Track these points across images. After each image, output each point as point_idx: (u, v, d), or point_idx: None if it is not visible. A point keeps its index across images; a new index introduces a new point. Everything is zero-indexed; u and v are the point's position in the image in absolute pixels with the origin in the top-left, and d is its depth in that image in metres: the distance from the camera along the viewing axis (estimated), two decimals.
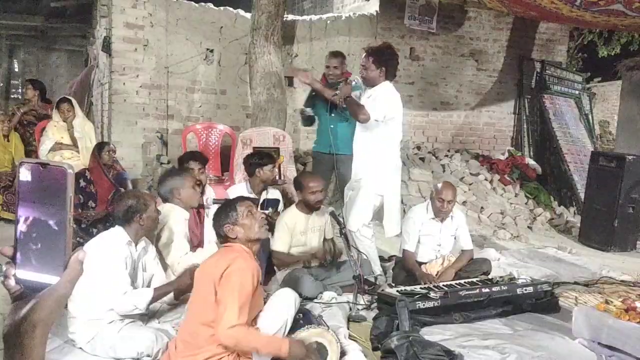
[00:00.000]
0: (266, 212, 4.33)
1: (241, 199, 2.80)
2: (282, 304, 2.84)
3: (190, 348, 2.45)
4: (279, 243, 3.91)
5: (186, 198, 3.50)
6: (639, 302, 3.27)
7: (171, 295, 3.02)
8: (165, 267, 3.27)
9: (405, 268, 4.20)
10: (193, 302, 2.58)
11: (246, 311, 2.41)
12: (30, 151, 5.66)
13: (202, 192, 3.81)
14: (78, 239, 4.16)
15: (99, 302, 2.81)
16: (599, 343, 3.13)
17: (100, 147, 4.79)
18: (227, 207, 2.68)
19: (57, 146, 5.28)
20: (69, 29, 9.46)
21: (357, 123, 4.17)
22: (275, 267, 4.07)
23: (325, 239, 4.17)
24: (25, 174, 0.74)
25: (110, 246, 2.86)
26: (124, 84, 6.39)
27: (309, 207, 3.96)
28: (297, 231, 3.96)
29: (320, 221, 4.07)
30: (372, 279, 4.11)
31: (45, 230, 0.74)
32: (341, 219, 4.05)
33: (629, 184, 6.01)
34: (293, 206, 4.10)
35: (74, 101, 5.54)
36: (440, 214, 4.19)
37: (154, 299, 2.88)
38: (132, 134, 6.48)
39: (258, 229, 2.64)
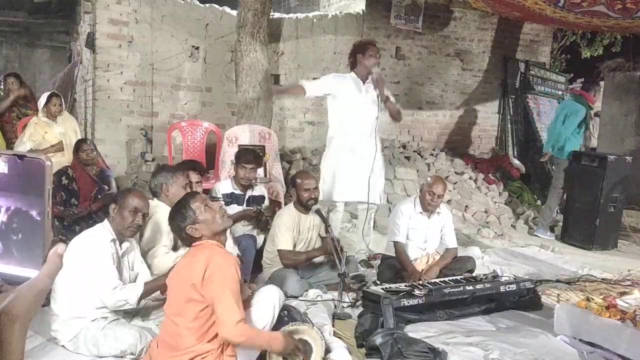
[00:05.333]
0: (260, 208, 4.33)
1: (190, 195, 2.65)
2: (267, 301, 2.83)
3: (171, 349, 2.40)
4: (283, 242, 3.89)
5: (174, 197, 3.46)
6: (619, 300, 3.32)
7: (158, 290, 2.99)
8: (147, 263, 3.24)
9: (392, 259, 4.24)
10: (170, 306, 2.49)
11: (241, 306, 2.38)
12: (12, 149, 5.57)
13: None
14: (60, 236, 4.12)
15: (84, 299, 2.79)
16: (580, 340, 3.17)
17: (77, 145, 4.72)
18: (181, 209, 2.53)
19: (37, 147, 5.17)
20: (53, 25, 9.32)
21: None
22: (262, 264, 4.07)
23: (322, 236, 4.16)
24: (1, 166, 0.73)
25: (96, 242, 2.83)
26: (108, 80, 6.32)
27: (305, 206, 3.97)
28: (296, 230, 3.96)
29: (317, 219, 4.07)
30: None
31: (27, 221, 0.73)
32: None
33: (610, 184, 6.08)
34: (290, 205, 4.10)
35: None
36: (429, 207, 4.22)
37: (145, 293, 2.85)
38: (116, 131, 6.42)
39: (220, 219, 2.54)
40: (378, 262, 4.56)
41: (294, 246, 3.97)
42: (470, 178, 7.57)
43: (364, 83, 4.59)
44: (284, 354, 2.54)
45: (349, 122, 4.57)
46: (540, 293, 4.08)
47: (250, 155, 4.41)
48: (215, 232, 2.51)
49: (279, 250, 3.90)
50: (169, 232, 3.40)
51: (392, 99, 4.70)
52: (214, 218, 2.51)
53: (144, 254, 3.29)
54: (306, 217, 4.03)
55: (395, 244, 4.26)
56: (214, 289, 2.30)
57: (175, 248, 3.43)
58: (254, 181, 4.47)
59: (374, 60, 4.55)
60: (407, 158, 7.51)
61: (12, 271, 0.74)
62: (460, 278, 3.96)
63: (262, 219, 4.33)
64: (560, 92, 9.25)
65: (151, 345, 2.60)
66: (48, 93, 5.36)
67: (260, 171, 5.01)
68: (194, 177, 3.82)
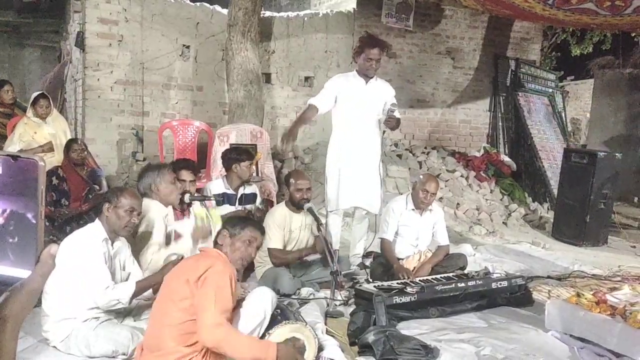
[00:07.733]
0: (247, 207, 4.32)
1: (256, 224, 2.80)
2: (259, 302, 2.82)
3: (154, 349, 2.39)
4: (274, 241, 3.89)
5: (164, 194, 3.46)
6: (609, 295, 3.36)
7: (150, 290, 2.98)
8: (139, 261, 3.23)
9: (382, 257, 4.25)
10: (160, 304, 2.49)
11: (226, 314, 2.37)
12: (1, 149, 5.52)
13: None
14: (51, 237, 4.09)
15: (75, 299, 2.77)
16: (571, 335, 3.20)
17: (68, 145, 4.69)
18: (244, 220, 2.77)
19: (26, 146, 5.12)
20: (42, 25, 9.26)
21: None
22: (254, 262, 4.06)
23: (315, 235, 4.15)
24: None
25: (88, 242, 2.81)
26: (98, 80, 6.29)
27: (297, 205, 3.97)
28: (287, 229, 3.96)
29: (309, 219, 4.06)
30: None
31: (23, 223, 0.73)
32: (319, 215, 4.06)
33: (600, 180, 6.13)
34: (282, 204, 4.10)
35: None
36: (422, 205, 4.24)
37: (137, 292, 2.84)
38: (107, 131, 6.39)
39: (241, 260, 2.66)
40: (371, 260, 4.58)
41: (285, 245, 3.97)
42: (462, 176, 7.60)
43: (366, 82, 4.41)
44: None
45: (352, 120, 4.39)
46: (531, 289, 4.11)
47: (247, 151, 4.45)
48: (231, 259, 2.60)
49: (268, 249, 3.89)
50: (161, 230, 3.40)
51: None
52: (244, 252, 2.64)
53: (137, 251, 3.28)
54: (297, 216, 4.03)
55: (382, 240, 4.27)
56: (204, 292, 2.33)
57: (168, 242, 3.43)
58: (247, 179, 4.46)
59: (369, 65, 4.31)
60: (399, 156, 7.52)
61: (6, 272, 0.74)
62: (452, 275, 3.99)
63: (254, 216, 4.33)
64: (550, 90, 9.29)
65: (136, 351, 2.58)
66: (37, 93, 5.32)
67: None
68: (188, 176, 3.81)
